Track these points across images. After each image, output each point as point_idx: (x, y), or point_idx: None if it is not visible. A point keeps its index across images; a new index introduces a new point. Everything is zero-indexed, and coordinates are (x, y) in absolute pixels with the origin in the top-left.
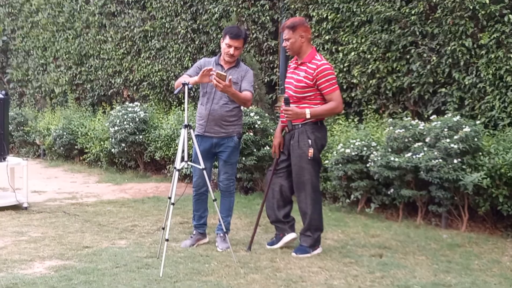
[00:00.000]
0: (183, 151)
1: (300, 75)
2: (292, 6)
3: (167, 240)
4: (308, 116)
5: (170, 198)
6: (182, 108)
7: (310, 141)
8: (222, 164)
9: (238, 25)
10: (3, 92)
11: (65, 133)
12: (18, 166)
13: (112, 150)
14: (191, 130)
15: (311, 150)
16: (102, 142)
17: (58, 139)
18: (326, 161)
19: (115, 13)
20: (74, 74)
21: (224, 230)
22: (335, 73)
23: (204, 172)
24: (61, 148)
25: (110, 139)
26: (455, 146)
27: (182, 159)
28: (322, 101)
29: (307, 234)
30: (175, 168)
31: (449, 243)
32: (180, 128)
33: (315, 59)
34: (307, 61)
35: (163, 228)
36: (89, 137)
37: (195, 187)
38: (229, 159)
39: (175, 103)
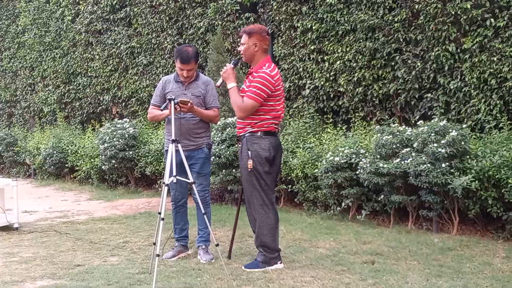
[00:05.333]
0: (171, 165)
1: (247, 83)
2: (277, 18)
3: (158, 255)
4: (229, 87)
5: (160, 213)
6: None
7: (249, 152)
8: (195, 177)
9: (222, 37)
10: None
11: (55, 152)
12: (8, 187)
13: (103, 167)
14: (179, 145)
15: (249, 162)
16: (92, 160)
17: (48, 158)
18: (316, 170)
19: (101, 31)
20: (62, 93)
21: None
22: (273, 87)
23: (194, 185)
24: (52, 167)
25: (100, 156)
26: (443, 150)
27: (171, 174)
28: (269, 110)
29: (260, 250)
30: (163, 183)
31: (441, 247)
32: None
33: (261, 69)
34: (254, 71)
35: (154, 244)
36: (79, 155)
37: (173, 201)
38: (201, 170)
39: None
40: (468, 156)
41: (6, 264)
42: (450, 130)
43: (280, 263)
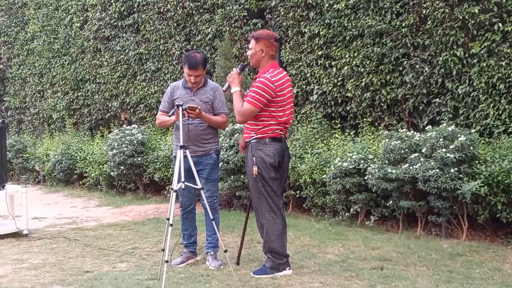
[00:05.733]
0: (179, 171)
1: (250, 89)
2: (284, 24)
3: (166, 261)
4: (233, 91)
5: (168, 219)
6: None
7: (254, 159)
8: (203, 182)
9: (230, 43)
10: (0, 120)
11: (64, 158)
12: (17, 193)
13: (111, 173)
14: (187, 151)
15: (255, 168)
16: (101, 166)
17: (57, 164)
18: (324, 176)
19: (110, 38)
20: (71, 99)
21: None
22: (273, 92)
23: (202, 191)
24: (61, 173)
25: (109, 162)
26: (451, 156)
27: (179, 180)
28: (272, 116)
29: (268, 256)
30: (172, 189)
31: (450, 253)
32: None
33: (264, 74)
34: (258, 76)
35: (163, 250)
36: (88, 161)
37: (182, 207)
38: (210, 176)
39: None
40: (477, 161)
41: (15, 271)
42: (459, 135)
43: (289, 269)
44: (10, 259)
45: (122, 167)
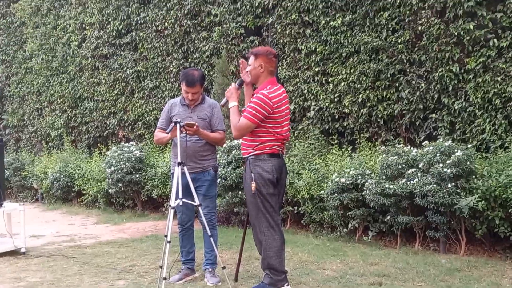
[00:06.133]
0: (177, 188)
1: (248, 105)
2: (281, 41)
3: (164, 278)
4: (229, 105)
5: (166, 236)
6: None
7: (252, 175)
8: (201, 199)
9: (227, 61)
10: None
11: (62, 176)
12: (15, 211)
13: (110, 190)
14: (185, 168)
15: (253, 184)
16: (99, 183)
17: (55, 182)
18: (322, 191)
19: (108, 55)
20: (69, 117)
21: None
22: (270, 108)
23: (200, 208)
24: (59, 191)
25: (107, 179)
26: (448, 171)
27: (177, 197)
28: (270, 132)
29: (267, 273)
30: (170, 206)
31: (448, 268)
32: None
33: (262, 90)
34: (256, 92)
35: (161, 267)
36: (86, 178)
37: (180, 223)
38: (207, 192)
39: (170, 141)
40: (474, 176)
41: None
42: (456, 150)
43: (287, 285)
44: (7, 277)
45: (120, 184)
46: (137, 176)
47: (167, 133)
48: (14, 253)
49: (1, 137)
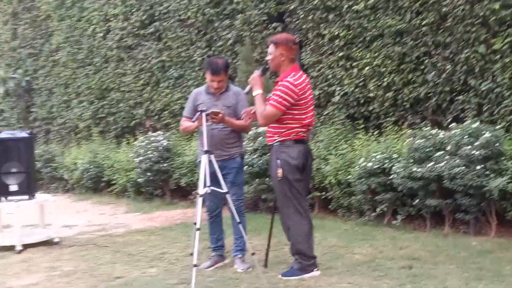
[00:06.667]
0: (205, 176)
1: (273, 92)
2: (304, 26)
3: (195, 265)
4: (254, 94)
5: (195, 224)
6: None
7: (278, 161)
8: (229, 186)
9: (251, 48)
10: (28, 131)
11: (91, 167)
12: (47, 202)
13: (138, 180)
14: (212, 156)
15: (279, 171)
16: (128, 173)
17: (85, 173)
18: (349, 176)
19: (132, 46)
20: (96, 108)
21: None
22: (296, 95)
23: (228, 196)
24: (89, 181)
25: (136, 169)
26: (477, 153)
27: (205, 185)
28: (295, 119)
29: (296, 258)
30: (198, 194)
31: (479, 250)
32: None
33: (286, 78)
34: (279, 80)
35: (191, 254)
36: (115, 168)
37: (208, 211)
38: (235, 180)
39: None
40: (503, 157)
41: (48, 278)
42: (484, 132)
43: (317, 270)
44: (42, 267)
45: (148, 174)
46: (165, 165)
47: (193, 122)
48: (48, 243)
49: (31, 129)
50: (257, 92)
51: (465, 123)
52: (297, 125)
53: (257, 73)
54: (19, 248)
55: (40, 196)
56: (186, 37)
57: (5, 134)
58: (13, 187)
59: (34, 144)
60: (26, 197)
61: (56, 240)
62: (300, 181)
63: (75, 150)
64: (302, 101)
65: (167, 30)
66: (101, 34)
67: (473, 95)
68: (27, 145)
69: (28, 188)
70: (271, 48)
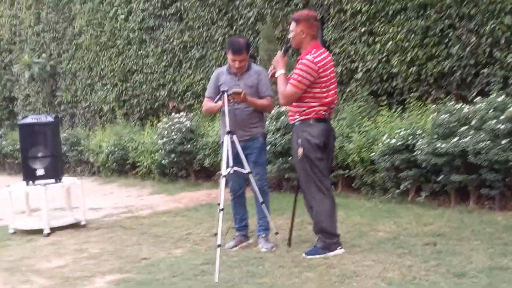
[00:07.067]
0: (227, 157)
1: (293, 71)
2: (326, 2)
3: (219, 245)
4: (277, 75)
5: (219, 204)
6: None
7: (299, 140)
8: (252, 166)
9: (272, 26)
10: (54, 115)
11: (116, 149)
12: (73, 186)
13: (163, 161)
14: (234, 136)
15: (300, 150)
16: (152, 155)
17: (110, 155)
18: (372, 154)
19: (154, 28)
20: (120, 91)
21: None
22: (316, 73)
23: (251, 176)
24: (114, 164)
25: (160, 150)
26: (502, 127)
27: (228, 165)
28: (316, 97)
29: (319, 236)
30: (221, 174)
31: (504, 225)
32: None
33: (307, 55)
34: (301, 58)
35: (216, 234)
36: (140, 150)
37: (232, 191)
38: (258, 159)
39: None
40: None
41: (76, 260)
42: (509, 106)
43: (340, 248)
44: (70, 249)
45: (172, 155)
46: (189, 146)
47: (215, 102)
48: (75, 226)
49: (57, 113)
50: (280, 72)
51: (490, 97)
52: (318, 104)
53: (279, 53)
54: (47, 231)
55: (66, 179)
56: (207, 16)
57: (31, 118)
58: (40, 171)
59: (60, 128)
60: (53, 180)
61: (83, 223)
62: (321, 160)
63: (100, 133)
64: (323, 79)
65: (188, 10)
66: (123, 16)
67: (499, 67)
68: (53, 130)
69: (55, 172)
70: (292, 25)
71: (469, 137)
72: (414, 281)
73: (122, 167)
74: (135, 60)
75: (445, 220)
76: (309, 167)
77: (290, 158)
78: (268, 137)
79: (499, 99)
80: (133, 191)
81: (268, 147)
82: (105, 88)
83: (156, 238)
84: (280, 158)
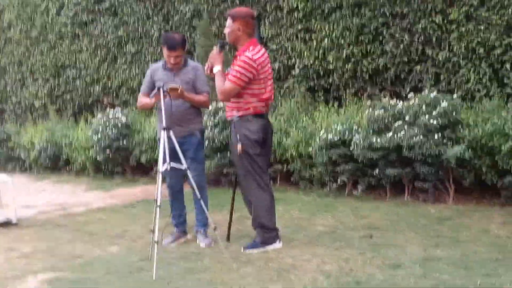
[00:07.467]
0: (164, 153)
1: (232, 68)
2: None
3: (156, 242)
4: (214, 71)
5: (156, 200)
6: None
7: (238, 136)
8: (189, 162)
9: (209, 22)
10: None
11: (49, 146)
12: (3, 183)
13: (98, 157)
14: (171, 132)
15: (239, 146)
16: (87, 151)
17: (42, 152)
18: (310, 149)
19: (87, 22)
20: (52, 86)
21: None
22: (255, 71)
23: (188, 172)
24: (47, 160)
25: (95, 147)
26: (435, 122)
27: (164, 161)
28: (255, 93)
29: (258, 231)
30: (158, 170)
31: (438, 217)
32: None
33: (245, 52)
34: (238, 55)
35: (152, 231)
36: (74, 147)
37: (169, 187)
38: (195, 155)
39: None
40: (460, 126)
41: (7, 260)
42: (441, 101)
43: (279, 242)
44: (1, 248)
45: (108, 151)
46: (125, 142)
47: (151, 98)
48: (6, 224)
49: None
50: (217, 68)
51: (423, 93)
52: (256, 100)
53: (215, 50)
54: None
55: None
56: (142, 11)
57: None
58: None
59: None
60: None
61: (14, 221)
62: (260, 155)
63: (32, 129)
64: (261, 76)
65: (122, 5)
66: (55, 10)
67: (431, 65)
68: None
69: None
70: (228, 21)
71: (403, 132)
72: (351, 273)
73: (55, 163)
74: (67, 55)
75: (381, 213)
76: (248, 163)
77: (228, 154)
78: (206, 132)
79: (432, 95)
80: (67, 188)
81: (206, 143)
82: (37, 83)
83: (91, 236)
84: (218, 154)
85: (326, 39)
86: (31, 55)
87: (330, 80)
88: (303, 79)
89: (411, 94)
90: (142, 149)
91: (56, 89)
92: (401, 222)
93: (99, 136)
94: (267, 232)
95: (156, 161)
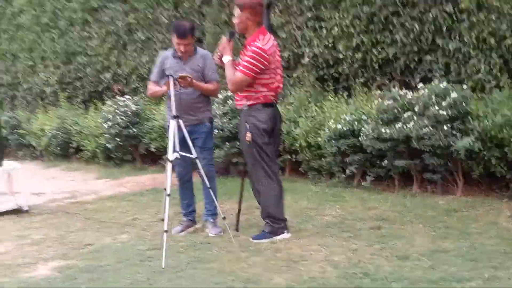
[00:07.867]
0: (173, 142)
1: (242, 58)
2: None
3: (166, 231)
4: (225, 61)
5: (165, 189)
6: None
7: (247, 125)
8: (199, 151)
9: (218, 10)
10: None
11: (59, 133)
12: (15, 170)
13: (108, 145)
14: (180, 121)
15: (248, 135)
16: (97, 139)
17: (53, 139)
18: (319, 139)
19: (97, 9)
20: (63, 73)
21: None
22: (265, 61)
23: (197, 161)
24: (57, 148)
25: (105, 134)
26: (444, 113)
27: (174, 150)
28: (265, 83)
29: (267, 221)
30: (167, 159)
31: (446, 209)
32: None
33: (255, 41)
34: (248, 44)
35: (162, 220)
36: (84, 134)
37: (178, 176)
38: (204, 144)
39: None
40: (469, 117)
41: (18, 247)
42: (451, 92)
43: (287, 232)
44: (11, 235)
45: (118, 139)
46: (134, 130)
47: (161, 87)
48: (17, 211)
49: None
50: (227, 59)
51: (432, 83)
52: (266, 89)
53: (224, 39)
54: None
55: (7, 164)
56: None
57: None
58: None
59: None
60: None
61: (25, 208)
62: (269, 145)
63: (42, 116)
64: (272, 66)
65: None
66: None
67: (441, 55)
68: None
69: None
70: (236, 11)
71: (412, 123)
72: (359, 264)
73: (66, 151)
74: (78, 42)
75: (389, 204)
76: (256, 152)
77: (237, 143)
78: (215, 121)
79: (442, 85)
80: (77, 176)
81: (215, 132)
82: (47, 70)
83: (101, 224)
84: (227, 143)
85: (336, 28)
86: (42, 41)
87: (340, 70)
88: (313, 68)
89: (420, 84)
90: (152, 137)
91: (67, 76)
92: (409, 213)
93: (109, 123)
94: (275, 222)
95: (165, 149)
